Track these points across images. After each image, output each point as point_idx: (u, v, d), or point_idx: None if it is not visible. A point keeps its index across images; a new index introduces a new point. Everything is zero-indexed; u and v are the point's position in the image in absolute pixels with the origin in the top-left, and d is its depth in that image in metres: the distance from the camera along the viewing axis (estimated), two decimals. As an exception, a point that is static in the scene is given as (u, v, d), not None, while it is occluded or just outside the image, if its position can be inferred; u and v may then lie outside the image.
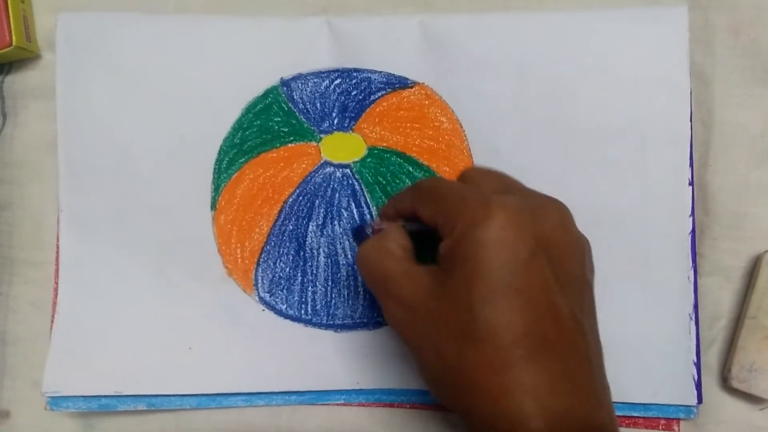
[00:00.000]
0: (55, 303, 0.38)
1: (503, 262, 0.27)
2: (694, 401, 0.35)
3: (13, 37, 0.38)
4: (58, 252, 0.38)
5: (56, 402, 0.37)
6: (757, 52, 0.36)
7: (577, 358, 0.27)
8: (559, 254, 0.28)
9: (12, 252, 0.40)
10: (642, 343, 0.35)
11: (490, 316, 0.27)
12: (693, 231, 0.36)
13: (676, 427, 0.35)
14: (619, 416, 0.35)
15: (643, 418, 0.35)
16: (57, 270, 0.38)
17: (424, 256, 0.31)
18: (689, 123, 0.36)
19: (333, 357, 0.37)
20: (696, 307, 0.35)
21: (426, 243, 0.31)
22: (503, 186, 0.32)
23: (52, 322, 0.38)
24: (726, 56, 0.37)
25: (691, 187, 0.36)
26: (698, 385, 0.35)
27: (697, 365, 0.35)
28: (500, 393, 0.26)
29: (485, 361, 0.27)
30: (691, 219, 0.36)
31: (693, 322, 0.35)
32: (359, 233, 0.37)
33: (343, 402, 0.37)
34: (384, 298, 0.31)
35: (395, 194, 0.36)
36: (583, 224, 0.35)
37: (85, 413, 0.38)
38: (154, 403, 0.37)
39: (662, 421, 0.35)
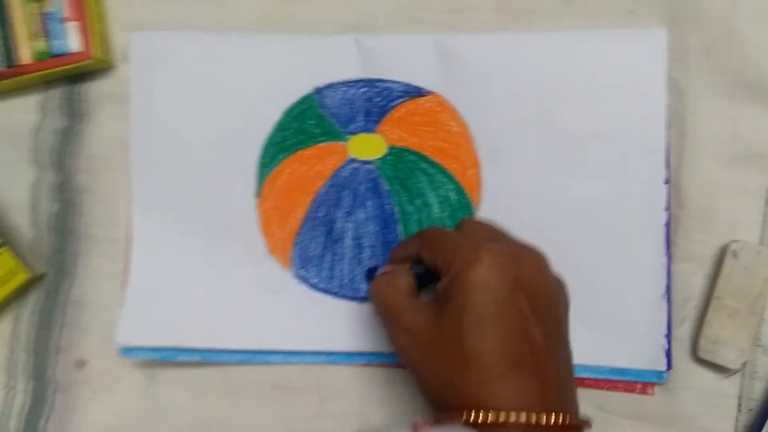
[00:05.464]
0: (124, 272, 0.43)
1: (488, 298, 0.31)
2: (664, 367, 0.39)
3: (94, 51, 0.43)
4: (129, 230, 0.43)
5: (127, 351, 0.43)
6: (726, 70, 0.39)
7: (547, 380, 0.31)
8: (535, 293, 0.32)
9: (90, 229, 0.44)
10: (622, 318, 0.39)
11: (476, 342, 0.31)
12: (668, 223, 0.39)
13: (651, 391, 0.39)
14: (601, 379, 0.39)
15: (623, 381, 0.39)
16: (127, 245, 0.43)
17: (426, 294, 0.35)
18: (665, 130, 0.40)
19: (357, 324, 0.41)
20: (669, 288, 0.39)
21: (428, 284, 0.35)
22: (492, 235, 0.36)
23: (121, 288, 0.43)
24: (699, 73, 0.40)
25: (667, 185, 0.39)
26: (668, 354, 0.38)
27: (668, 337, 0.39)
28: (482, 401, 0.30)
29: (472, 378, 0.31)
30: (666, 213, 0.39)
31: (665, 301, 0.39)
32: (371, 274, 0.42)
33: (365, 363, 0.41)
34: (390, 324, 0.35)
35: (403, 241, 0.41)
36: (571, 216, 0.40)
37: (149, 365, 0.43)
38: (206, 357, 0.42)
39: (638, 385, 0.39)
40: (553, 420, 0.30)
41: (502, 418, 0.29)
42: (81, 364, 0.44)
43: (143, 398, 0.43)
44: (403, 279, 0.35)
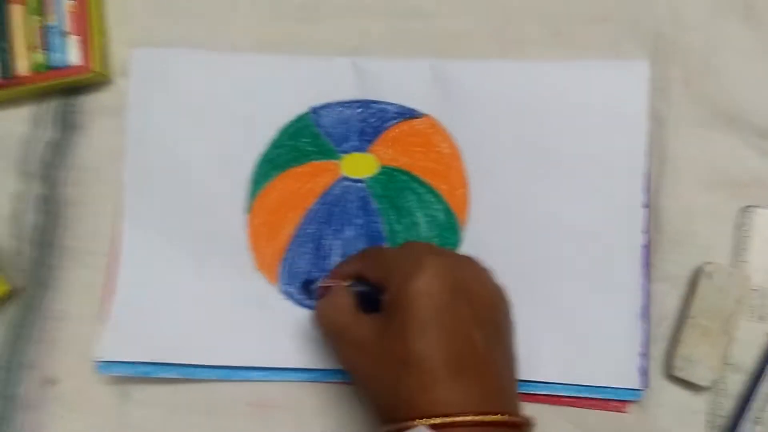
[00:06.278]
0: (106, 286, 0.53)
1: (430, 306, 0.40)
2: (639, 385, 0.48)
3: (94, 65, 0.54)
4: (116, 243, 0.53)
5: (104, 367, 0.51)
6: (704, 101, 0.52)
7: (490, 381, 0.40)
8: (474, 300, 0.41)
9: (72, 242, 0.54)
10: (599, 336, 0.49)
11: (420, 348, 0.39)
12: (646, 244, 0.50)
13: (626, 409, 0.49)
14: (578, 397, 0.49)
15: (599, 399, 0.49)
16: (110, 259, 0.53)
17: (367, 312, 0.44)
18: (645, 157, 0.51)
19: (340, 342, 0.50)
20: (647, 307, 0.49)
21: (369, 302, 0.44)
22: (434, 250, 0.45)
23: (102, 302, 0.52)
24: (679, 103, 0.52)
25: (645, 209, 0.50)
26: (644, 372, 0.48)
27: (643, 355, 0.49)
28: (428, 405, 0.39)
29: (417, 384, 0.39)
30: (645, 235, 0.50)
31: (641, 320, 0.49)
32: (306, 286, 0.51)
33: (345, 381, 0.51)
34: (338, 343, 0.44)
35: (344, 259, 0.51)
36: (554, 236, 0.51)
37: (123, 383, 0.52)
38: (185, 373, 0.51)
39: (614, 403, 0.49)
40: (495, 419, 0.38)
41: (447, 421, 0.37)
42: (52, 381, 0.52)
43: (116, 417, 0.52)
44: (345, 297, 0.45)
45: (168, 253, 0.54)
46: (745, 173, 0.52)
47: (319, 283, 0.49)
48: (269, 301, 0.53)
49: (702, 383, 0.48)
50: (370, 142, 0.54)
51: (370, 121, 0.54)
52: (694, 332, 0.49)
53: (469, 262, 0.44)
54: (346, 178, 0.54)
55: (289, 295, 0.53)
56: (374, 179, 0.54)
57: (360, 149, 0.54)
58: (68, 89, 0.57)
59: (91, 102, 0.57)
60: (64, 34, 0.56)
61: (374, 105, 0.54)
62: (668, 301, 0.51)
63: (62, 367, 0.53)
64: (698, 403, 0.50)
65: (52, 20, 0.56)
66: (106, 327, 0.52)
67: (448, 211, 0.53)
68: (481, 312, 0.42)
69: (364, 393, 0.44)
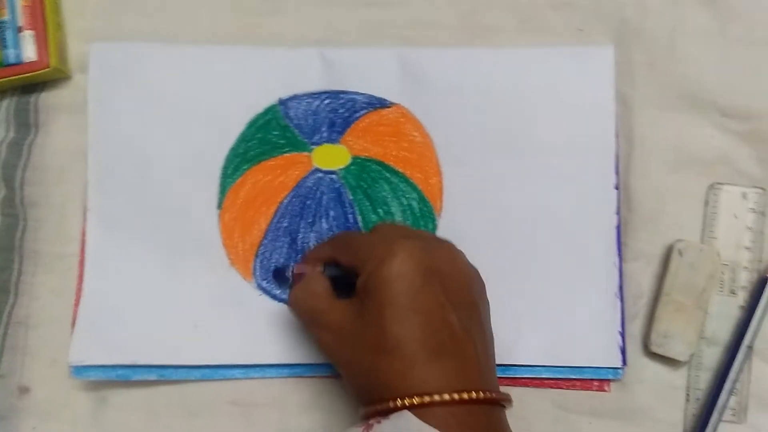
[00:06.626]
0: (77, 290, 0.51)
1: (404, 290, 0.40)
2: (619, 364, 0.50)
3: (51, 60, 0.53)
4: (82, 244, 0.52)
5: (79, 371, 0.50)
6: (669, 83, 0.53)
7: (467, 361, 0.41)
8: (449, 282, 0.42)
9: (37, 245, 0.53)
10: (577, 317, 0.50)
11: (397, 332, 0.40)
12: (618, 225, 0.51)
13: (607, 387, 0.50)
14: (560, 379, 0.50)
15: (580, 380, 0.50)
16: (81, 260, 0.52)
17: (340, 295, 0.44)
18: (615, 139, 0.52)
19: (320, 335, 0.51)
20: (621, 287, 0.50)
21: (341, 286, 0.45)
22: (405, 233, 0.46)
23: (75, 305, 0.51)
24: (644, 86, 0.53)
25: (616, 190, 0.51)
26: (623, 351, 0.49)
27: (622, 334, 0.50)
28: (406, 388, 0.39)
29: (395, 367, 0.40)
30: (617, 216, 0.51)
31: (618, 299, 0.50)
32: (278, 274, 0.52)
33: (328, 375, 0.51)
34: (315, 329, 0.45)
35: (317, 245, 0.51)
36: (529, 221, 0.51)
37: (98, 388, 0.51)
38: (164, 374, 0.50)
39: (595, 382, 0.50)
40: (475, 396, 0.39)
41: (427, 400, 0.38)
42: (24, 391, 0.51)
43: (92, 424, 0.51)
44: (320, 283, 0.45)
45: (137, 253, 0.53)
46: (710, 151, 0.53)
47: (292, 269, 0.50)
48: (245, 298, 0.52)
49: (679, 358, 0.50)
50: (340, 133, 0.54)
51: (339, 112, 0.54)
52: (668, 308, 0.50)
53: (441, 244, 0.45)
54: (318, 170, 0.54)
55: (265, 291, 0.53)
56: (347, 170, 0.54)
57: (331, 140, 0.54)
58: (25, 87, 0.55)
59: (49, 99, 0.56)
60: (18, 29, 0.54)
61: (343, 95, 0.54)
62: (643, 279, 0.52)
63: (34, 375, 0.53)
64: (677, 377, 0.51)
65: (3, 15, 0.54)
66: (75, 329, 0.51)
67: (423, 200, 0.53)
68: (456, 293, 0.42)
69: (342, 376, 0.44)
